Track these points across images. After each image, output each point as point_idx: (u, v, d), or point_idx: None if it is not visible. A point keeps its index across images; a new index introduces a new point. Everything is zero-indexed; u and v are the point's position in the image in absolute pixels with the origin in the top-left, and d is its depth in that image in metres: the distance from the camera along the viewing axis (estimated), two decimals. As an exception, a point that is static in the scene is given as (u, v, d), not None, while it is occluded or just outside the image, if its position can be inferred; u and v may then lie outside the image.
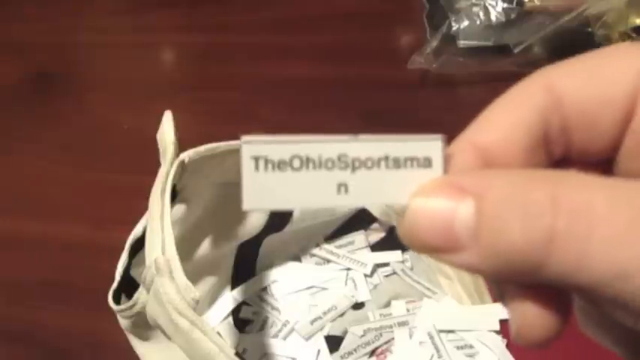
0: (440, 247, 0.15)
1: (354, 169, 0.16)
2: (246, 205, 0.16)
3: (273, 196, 0.16)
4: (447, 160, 0.16)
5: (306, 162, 0.16)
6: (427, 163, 0.16)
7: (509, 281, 0.16)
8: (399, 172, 0.16)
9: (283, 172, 0.16)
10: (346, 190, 0.16)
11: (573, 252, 0.14)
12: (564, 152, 0.17)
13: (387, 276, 0.43)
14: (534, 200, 0.14)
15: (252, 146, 0.16)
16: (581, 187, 0.14)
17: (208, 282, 0.41)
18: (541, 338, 0.15)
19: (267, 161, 0.16)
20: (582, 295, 0.15)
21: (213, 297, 0.41)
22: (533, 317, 0.15)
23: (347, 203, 0.16)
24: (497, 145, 0.16)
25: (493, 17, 0.57)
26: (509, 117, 0.17)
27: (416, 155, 0.16)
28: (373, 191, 0.16)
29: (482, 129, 0.17)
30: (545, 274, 0.14)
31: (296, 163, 0.16)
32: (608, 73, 0.16)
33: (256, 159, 0.16)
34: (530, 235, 0.14)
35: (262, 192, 0.16)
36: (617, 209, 0.14)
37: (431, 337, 0.39)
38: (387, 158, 0.16)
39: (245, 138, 0.16)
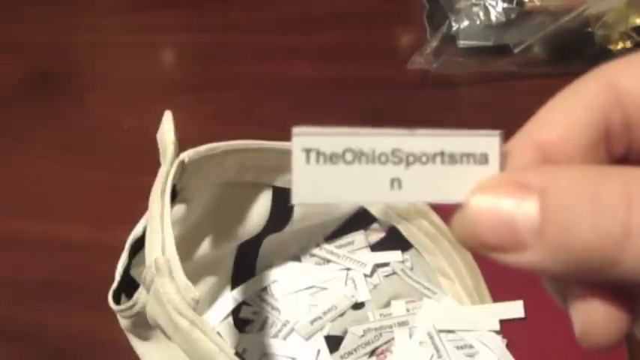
0: (501, 247, 0.15)
1: (408, 164, 0.16)
2: (296, 198, 0.15)
3: (324, 189, 0.15)
4: (504, 157, 0.16)
5: (359, 156, 0.15)
6: (484, 159, 0.16)
7: (575, 280, 0.15)
8: (454, 168, 0.16)
9: (335, 165, 0.15)
10: (400, 186, 0.16)
11: None
12: (625, 151, 0.17)
13: (387, 276, 0.43)
14: (606, 193, 0.13)
15: (304, 138, 0.15)
16: None
17: (208, 282, 0.41)
18: (609, 340, 0.15)
19: (318, 154, 0.15)
20: None
21: (213, 297, 0.41)
22: (600, 318, 0.15)
23: (400, 199, 0.16)
24: (557, 142, 0.16)
25: (493, 17, 0.57)
26: (568, 114, 0.16)
27: (472, 151, 0.16)
28: (427, 187, 0.16)
29: (540, 126, 0.16)
30: (617, 271, 0.14)
31: (348, 156, 0.15)
32: None
33: (308, 151, 0.15)
34: (602, 230, 0.13)
35: (313, 185, 0.15)
36: None
37: (431, 337, 0.39)
38: (442, 154, 0.16)
39: (297, 129, 0.15)
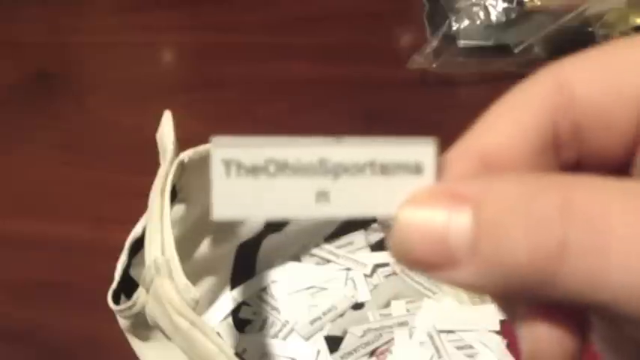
0: (433, 264, 0.13)
1: (336, 175, 0.14)
2: (216, 214, 0.15)
3: (246, 204, 0.15)
4: (440, 167, 0.15)
5: (283, 167, 0.14)
6: (418, 169, 0.15)
7: (513, 299, 0.14)
8: (386, 179, 0.15)
9: (257, 178, 0.14)
10: (327, 199, 0.15)
11: (588, 265, 0.12)
12: (577, 157, 0.16)
13: (387, 276, 0.43)
14: (542, 206, 0.12)
15: (224, 149, 0.15)
16: (595, 191, 0.12)
17: (208, 282, 0.41)
18: None
19: (239, 166, 0.14)
20: (598, 313, 0.14)
21: (212, 297, 0.41)
22: (548, 340, 0.13)
23: (327, 213, 0.15)
24: (501, 150, 0.15)
25: (493, 17, 0.57)
26: (513, 118, 0.15)
27: (405, 161, 0.15)
28: (357, 201, 0.15)
29: (483, 132, 0.15)
30: (554, 291, 0.13)
31: (271, 168, 0.14)
32: (624, 67, 0.15)
33: (227, 163, 0.15)
34: (537, 247, 0.12)
35: (234, 200, 0.15)
36: (637, 215, 0.12)
37: (431, 338, 0.39)
38: (372, 164, 0.15)
39: (216, 139, 0.15)
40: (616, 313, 0.12)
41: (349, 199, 0.15)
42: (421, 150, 0.15)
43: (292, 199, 0.15)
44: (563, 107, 0.15)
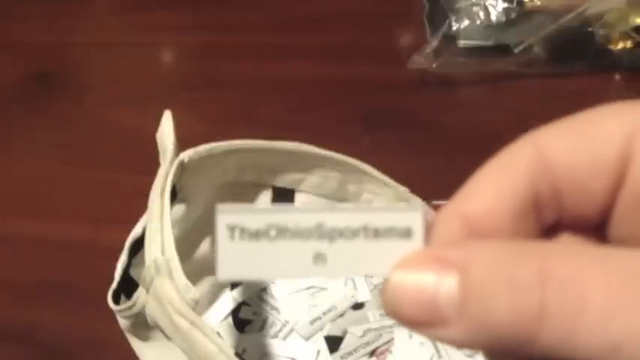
0: (424, 322, 0.15)
1: (331, 239, 0.16)
2: (220, 275, 0.16)
3: (249, 266, 0.16)
4: (428, 231, 0.16)
5: (283, 231, 0.15)
6: (407, 234, 0.16)
7: (498, 356, 0.15)
8: (378, 242, 0.16)
9: (259, 241, 0.15)
10: (324, 261, 0.16)
11: (564, 326, 0.13)
12: (556, 218, 0.17)
13: (387, 276, 0.43)
14: (522, 273, 0.14)
15: (228, 216, 0.15)
16: (570, 258, 0.14)
17: (208, 282, 0.41)
18: None
19: (242, 231, 0.15)
20: None
21: (212, 297, 0.41)
22: None
23: (324, 274, 0.16)
24: (484, 214, 0.16)
25: (493, 17, 0.57)
26: (496, 184, 0.16)
27: (396, 226, 0.16)
28: (352, 262, 0.16)
29: (468, 198, 0.17)
30: (535, 349, 0.14)
31: (272, 232, 0.15)
32: (598, 135, 0.16)
33: (232, 228, 0.15)
34: (518, 310, 0.14)
35: (237, 262, 0.15)
36: (607, 280, 0.13)
37: (431, 338, 0.39)
38: (365, 229, 0.16)
39: (221, 207, 0.15)
40: None
41: (344, 261, 0.16)
42: (410, 216, 0.16)
43: (291, 262, 0.16)
44: (541, 173, 0.16)
